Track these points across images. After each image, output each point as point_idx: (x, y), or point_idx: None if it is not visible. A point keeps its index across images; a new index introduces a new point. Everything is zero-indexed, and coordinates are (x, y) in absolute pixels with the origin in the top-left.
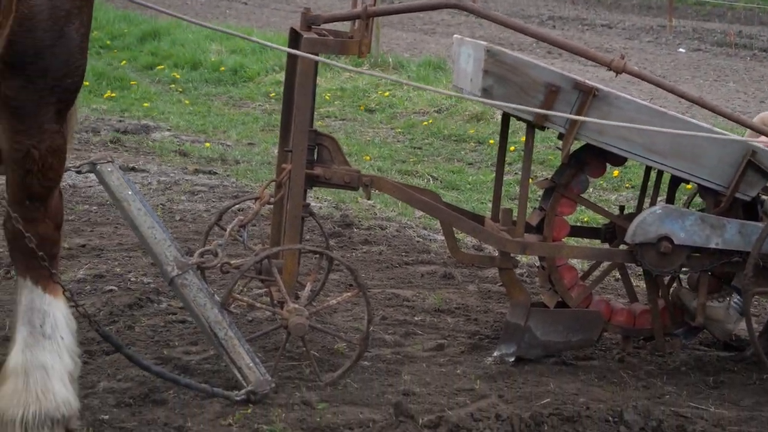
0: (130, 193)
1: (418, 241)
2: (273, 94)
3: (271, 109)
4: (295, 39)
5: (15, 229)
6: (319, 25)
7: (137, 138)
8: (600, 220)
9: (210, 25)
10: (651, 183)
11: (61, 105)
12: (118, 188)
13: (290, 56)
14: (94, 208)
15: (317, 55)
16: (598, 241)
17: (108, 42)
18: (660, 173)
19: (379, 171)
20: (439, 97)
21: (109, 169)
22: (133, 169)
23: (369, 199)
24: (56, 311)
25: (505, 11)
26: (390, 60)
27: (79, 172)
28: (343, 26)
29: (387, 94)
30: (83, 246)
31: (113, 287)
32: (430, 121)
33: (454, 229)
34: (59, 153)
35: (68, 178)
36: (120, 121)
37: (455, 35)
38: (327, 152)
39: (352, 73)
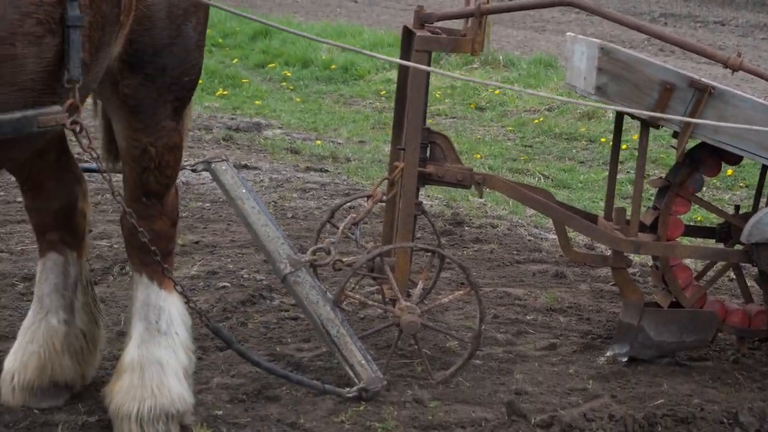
0: (244, 191)
1: (529, 240)
2: (383, 91)
3: (381, 107)
4: (408, 37)
5: (131, 226)
6: (432, 23)
7: (249, 136)
8: (713, 220)
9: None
10: (767, 182)
11: (178, 103)
12: (233, 187)
13: (403, 53)
14: (207, 205)
15: (430, 53)
16: (712, 241)
17: (220, 40)
18: None
19: (490, 169)
20: (550, 95)
21: (224, 168)
22: (245, 166)
23: (481, 197)
24: (171, 307)
25: (617, 8)
26: (500, 58)
27: (194, 171)
28: (453, 23)
29: (497, 92)
30: (197, 243)
31: (226, 284)
32: (541, 119)
33: (566, 227)
34: (176, 150)
35: (182, 176)
36: (232, 118)
37: (568, 33)
38: (439, 150)
39: (463, 71)
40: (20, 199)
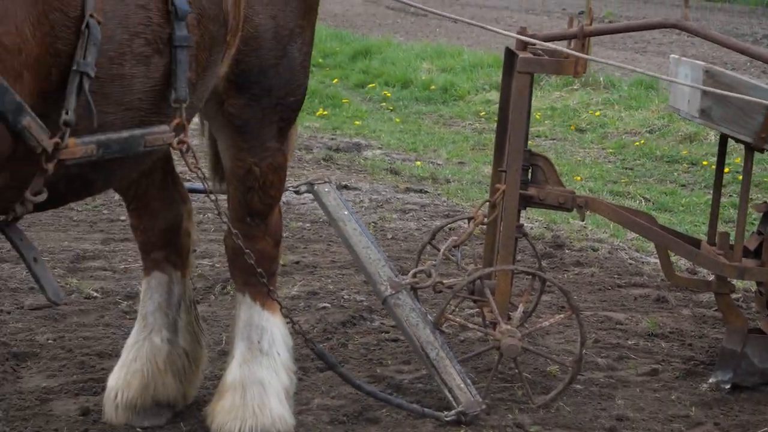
0: (346, 213)
1: (630, 263)
2: (483, 113)
3: (481, 128)
4: (510, 58)
5: (235, 246)
6: (535, 45)
7: (349, 156)
8: None
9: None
10: None
11: (283, 123)
12: (335, 208)
13: (505, 75)
14: (308, 225)
15: (532, 75)
16: None
17: (320, 60)
18: None
19: (590, 191)
20: (652, 117)
21: (326, 190)
22: (345, 187)
23: (583, 220)
24: (274, 327)
25: (718, 30)
26: (601, 79)
27: (297, 192)
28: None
29: (598, 113)
30: (297, 263)
31: (327, 304)
32: (642, 141)
33: (669, 252)
34: (280, 171)
35: (283, 196)
36: (332, 138)
37: (672, 55)
38: (541, 173)
39: (563, 93)
40: (124, 217)
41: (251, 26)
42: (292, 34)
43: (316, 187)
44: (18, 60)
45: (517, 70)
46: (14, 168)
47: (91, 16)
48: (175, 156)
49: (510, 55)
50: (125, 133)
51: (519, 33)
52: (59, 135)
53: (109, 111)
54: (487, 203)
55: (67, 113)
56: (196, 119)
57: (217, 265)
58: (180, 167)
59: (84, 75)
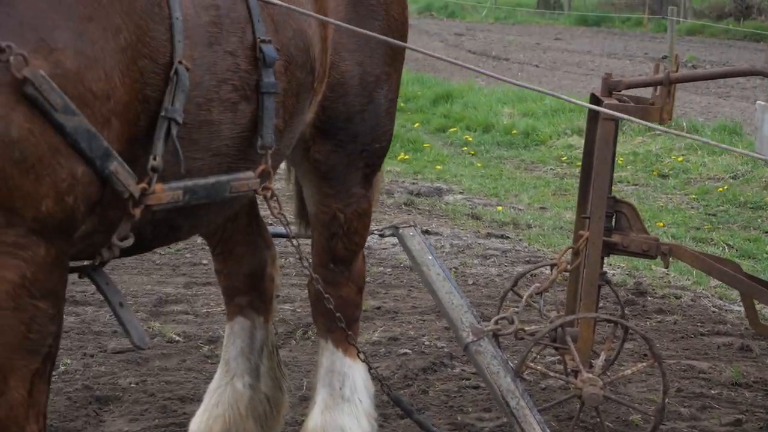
0: (430, 257)
1: (713, 311)
2: (565, 158)
3: (563, 173)
4: (595, 104)
5: (318, 292)
6: (620, 91)
7: (430, 201)
8: None
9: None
10: None
11: (368, 169)
12: (419, 253)
13: (590, 121)
14: (389, 270)
15: (617, 121)
16: None
17: (402, 104)
18: None
19: (673, 238)
20: (736, 163)
21: (411, 234)
22: (426, 231)
23: (667, 267)
24: (355, 374)
25: None
26: (684, 124)
27: (381, 235)
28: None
29: (681, 159)
30: (378, 308)
31: (407, 350)
32: (726, 187)
33: (753, 300)
34: (365, 217)
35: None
36: (413, 183)
37: (758, 102)
38: (625, 219)
39: (645, 138)
40: (206, 261)
41: (338, 73)
42: (378, 81)
43: (401, 230)
44: (107, 106)
45: (602, 116)
46: (101, 213)
47: (180, 62)
48: (260, 200)
49: (595, 101)
50: (212, 179)
51: (604, 79)
52: (146, 180)
53: (196, 157)
54: (570, 250)
55: (154, 159)
56: (282, 164)
57: (298, 310)
58: (264, 211)
59: (172, 121)
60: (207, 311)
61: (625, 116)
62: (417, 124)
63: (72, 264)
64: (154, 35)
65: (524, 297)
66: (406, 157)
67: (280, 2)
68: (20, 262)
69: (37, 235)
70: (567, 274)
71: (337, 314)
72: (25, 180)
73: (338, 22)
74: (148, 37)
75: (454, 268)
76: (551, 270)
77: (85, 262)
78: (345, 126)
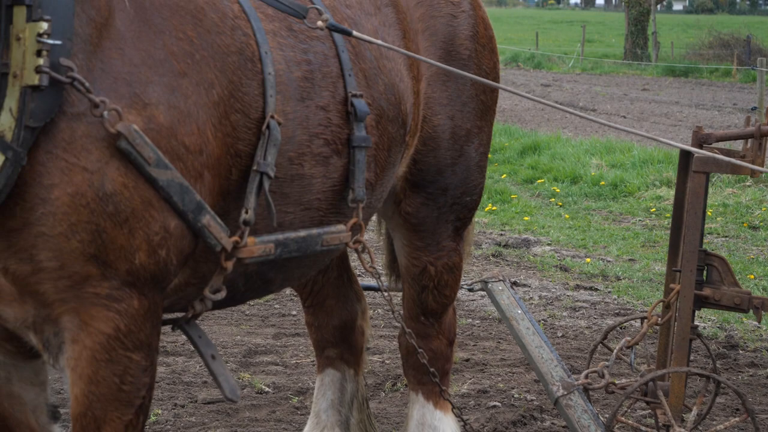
0: (519, 311)
1: None
2: (653, 209)
3: (651, 224)
4: (685, 157)
5: (409, 345)
6: (711, 144)
7: (518, 252)
8: None
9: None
10: None
11: (459, 222)
12: (508, 307)
13: (680, 173)
14: (477, 322)
15: (708, 174)
16: None
17: (489, 155)
18: None
19: (764, 291)
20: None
21: (500, 288)
22: (514, 283)
23: (759, 321)
24: (446, 427)
25: None
26: None
27: (471, 290)
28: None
29: None
30: (467, 360)
31: (497, 403)
32: None
33: None
34: (455, 270)
35: None
36: (501, 234)
37: None
38: (716, 273)
39: (735, 189)
40: (295, 312)
41: (429, 127)
42: (469, 135)
43: (490, 285)
44: (199, 160)
45: (693, 169)
46: (194, 265)
47: (272, 117)
48: (351, 252)
49: (685, 153)
50: (303, 233)
51: (695, 132)
52: (238, 234)
53: (287, 210)
54: (661, 303)
55: (246, 212)
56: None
57: (387, 362)
58: (354, 262)
59: (264, 175)
60: (296, 362)
61: (723, 158)
62: (504, 175)
63: (165, 316)
64: (246, 90)
65: (615, 350)
66: (494, 208)
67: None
68: (114, 315)
69: (131, 288)
70: (658, 327)
71: (430, 368)
72: (118, 233)
73: (448, 67)
74: (241, 92)
75: (542, 320)
76: (642, 323)
77: (179, 315)
78: (436, 179)
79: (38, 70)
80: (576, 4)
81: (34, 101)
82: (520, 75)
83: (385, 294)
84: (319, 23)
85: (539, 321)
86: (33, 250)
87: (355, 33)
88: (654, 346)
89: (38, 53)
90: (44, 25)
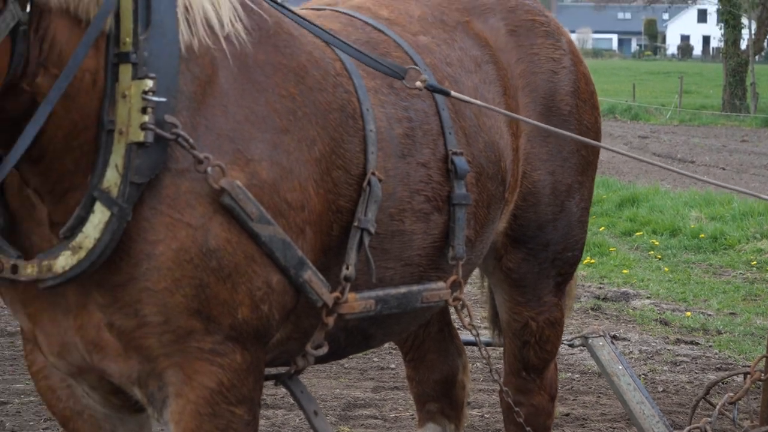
0: (620, 367)
1: None
2: (754, 262)
3: (752, 277)
4: None
5: (509, 403)
6: None
7: (617, 305)
8: None
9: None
10: None
11: (560, 278)
12: (609, 362)
13: None
14: (577, 376)
15: None
16: None
17: None
18: None
19: None
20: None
21: (601, 344)
22: (614, 337)
23: None
24: None
25: None
26: None
27: (571, 346)
28: None
29: None
30: (567, 415)
31: None
32: None
33: None
34: (557, 326)
35: None
36: (600, 287)
37: None
38: None
39: None
40: (393, 365)
41: (529, 182)
42: (570, 190)
43: (590, 340)
44: (301, 216)
45: None
46: (296, 321)
47: (373, 173)
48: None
49: None
50: (403, 289)
51: None
52: (339, 289)
53: (388, 266)
54: (764, 358)
55: (347, 268)
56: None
57: (486, 416)
58: (454, 316)
59: (364, 231)
60: (395, 416)
61: None
62: (603, 228)
63: (267, 371)
64: (348, 147)
65: (717, 406)
66: (592, 261)
67: (482, 104)
68: (218, 369)
69: (234, 342)
70: (761, 382)
71: (527, 428)
72: (222, 288)
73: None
74: (342, 149)
75: (643, 374)
76: (744, 378)
77: (281, 369)
78: (536, 235)
79: (143, 126)
80: (673, 54)
81: (139, 158)
82: (617, 126)
83: (484, 351)
84: (418, 83)
85: (640, 376)
86: (138, 305)
87: (453, 93)
88: (757, 402)
89: (143, 110)
90: (149, 83)
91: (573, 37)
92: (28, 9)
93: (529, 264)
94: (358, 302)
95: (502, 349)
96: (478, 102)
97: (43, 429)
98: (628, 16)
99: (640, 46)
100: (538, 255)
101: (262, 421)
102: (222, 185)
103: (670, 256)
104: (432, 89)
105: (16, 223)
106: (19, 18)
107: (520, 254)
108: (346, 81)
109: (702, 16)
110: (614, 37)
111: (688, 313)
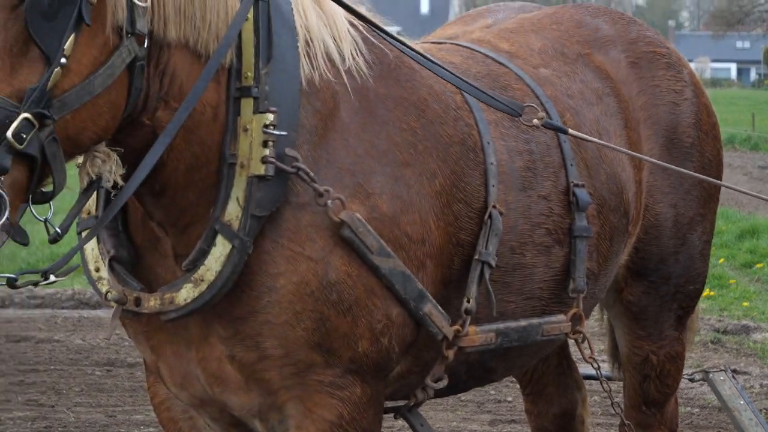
0: (742, 402)
1: None
2: None
3: None
4: None
5: None
6: None
7: (737, 339)
8: None
9: None
10: None
11: (681, 311)
12: (730, 397)
13: None
14: (696, 410)
15: None
16: None
17: None
18: None
19: None
20: None
21: (722, 378)
22: (734, 371)
23: None
24: None
25: None
26: None
27: (692, 380)
28: None
29: None
30: None
31: None
32: None
33: None
34: (678, 360)
35: None
36: (719, 320)
37: None
38: None
39: None
40: (510, 398)
41: (651, 215)
42: (692, 223)
43: (711, 375)
44: (421, 249)
45: None
46: (416, 354)
47: (494, 206)
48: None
49: None
50: (524, 322)
51: None
52: (460, 323)
53: (509, 300)
54: None
55: (468, 301)
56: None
57: None
58: (573, 348)
59: (485, 264)
60: None
61: None
62: (722, 260)
63: (387, 404)
64: (468, 180)
65: None
66: (712, 293)
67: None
68: (337, 402)
69: (354, 375)
70: None
71: None
72: (342, 321)
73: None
74: (463, 182)
75: (765, 409)
76: None
77: (400, 403)
78: (658, 268)
79: (264, 160)
80: None
81: (260, 191)
82: (737, 157)
83: (605, 385)
84: (535, 121)
85: (762, 410)
86: (259, 337)
87: (570, 131)
88: None
89: (264, 144)
90: (270, 117)
91: (691, 66)
92: (146, 44)
93: (650, 297)
94: (478, 335)
95: (620, 382)
96: (596, 140)
97: None
98: (747, 44)
99: (759, 75)
100: (659, 288)
101: None
102: (342, 218)
103: None
104: (549, 127)
105: (141, 256)
106: (136, 53)
107: (641, 287)
108: (467, 114)
109: None
110: (733, 66)
111: None
